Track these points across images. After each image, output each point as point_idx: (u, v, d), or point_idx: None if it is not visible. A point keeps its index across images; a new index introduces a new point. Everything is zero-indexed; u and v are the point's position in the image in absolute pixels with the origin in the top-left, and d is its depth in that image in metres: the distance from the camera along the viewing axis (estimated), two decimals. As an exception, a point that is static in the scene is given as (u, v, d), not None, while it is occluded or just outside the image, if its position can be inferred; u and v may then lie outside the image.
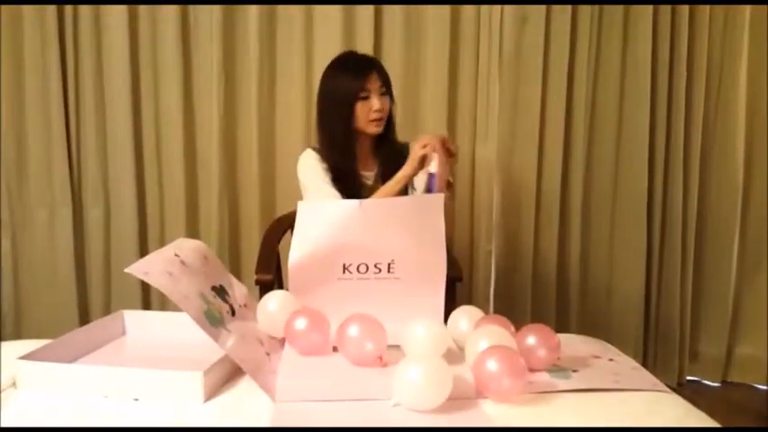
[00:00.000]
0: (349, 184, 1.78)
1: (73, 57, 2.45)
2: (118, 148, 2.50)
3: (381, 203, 1.46)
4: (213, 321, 1.20)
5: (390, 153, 1.83)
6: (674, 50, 2.62)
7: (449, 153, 1.67)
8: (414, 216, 1.44)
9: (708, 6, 2.61)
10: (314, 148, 1.87)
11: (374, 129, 1.78)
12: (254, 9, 2.45)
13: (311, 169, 1.81)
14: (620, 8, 2.58)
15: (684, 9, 2.58)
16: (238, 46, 2.50)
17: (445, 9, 2.50)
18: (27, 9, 2.39)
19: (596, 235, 2.71)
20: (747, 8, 2.65)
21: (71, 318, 2.50)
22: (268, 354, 1.25)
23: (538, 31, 2.54)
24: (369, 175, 1.86)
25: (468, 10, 2.54)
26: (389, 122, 1.84)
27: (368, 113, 1.75)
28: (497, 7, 2.53)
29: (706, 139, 2.71)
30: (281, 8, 2.49)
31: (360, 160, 1.84)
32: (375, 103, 1.75)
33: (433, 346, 1.23)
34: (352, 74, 1.75)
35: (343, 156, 1.79)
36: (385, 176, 1.77)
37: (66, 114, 2.47)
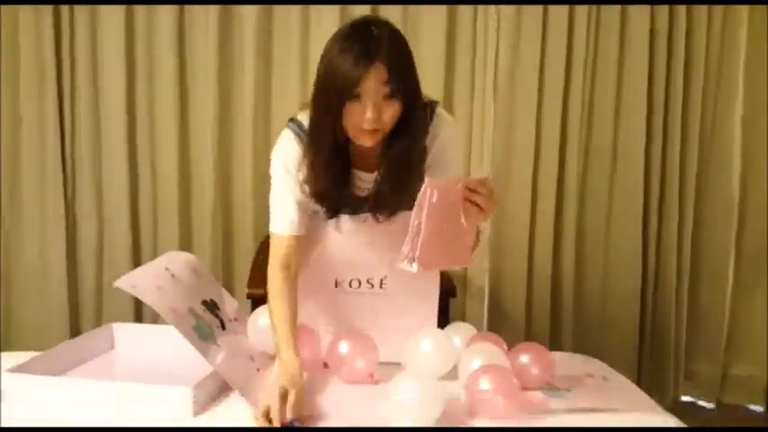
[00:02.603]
0: (337, 191, 1.38)
1: (69, 68, 2.45)
2: (112, 160, 2.48)
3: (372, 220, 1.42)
4: (203, 336, 1.18)
5: (403, 156, 1.33)
6: (671, 57, 2.61)
7: (475, 203, 1.18)
8: (406, 232, 1.43)
9: (705, 7, 2.61)
10: (298, 127, 1.38)
11: (365, 141, 1.27)
12: (250, 10, 2.45)
13: (281, 168, 1.38)
14: (617, 11, 2.57)
15: (682, 12, 2.58)
16: (234, 53, 2.49)
17: (442, 17, 2.49)
18: (24, 12, 2.39)
19: (591, 252, 2.69)
20: (745, 10, 2.65)
21: (62, 330, 2.47)
22: (258, 369, 1.24)
23: (534, 39, 2.53)
24: (366, 177, 1.39)
25: (464, 18, 2.54)
26: (411, 120, 1.31)
27: (358, 120, 1.24)
28: (493, 16, 2.53)
29: (702, 155, 2.70)
30: (277, 10, 2.49)
31: (356, 155, 1.37)
32: (367, 109, 1.22)
33: (439, 363, 1.21)
34: (349, 61, 1.22)
35: (330, 155, 1.33)
36: (386, 183, 1.35)
37: (62, 126, 2.46)
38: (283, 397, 1.07)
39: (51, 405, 1.09)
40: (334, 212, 1.42)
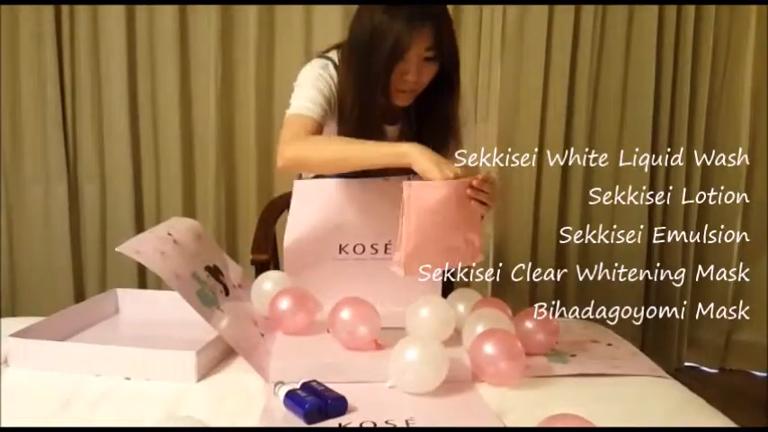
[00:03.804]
0: (362, 129, 1.35)
1: (69, 32, 2.42)
2: (113, 122, 2.47)
3: (379, 183, 1.43)
4: (206, 301, 1.18)
5: (429, 115, 1.38)
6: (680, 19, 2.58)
7: (478, 200, 1.21)
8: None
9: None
10: (331, 61, 1.40)
11: (402, 100, 1.35)
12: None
13: (313, 74, 1.39)
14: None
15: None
16: (236, 23, 2.47)
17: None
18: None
19: (596, 218, 2.68)
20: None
21: (67, 294, 2.49)
22: (262, 334, 1.24)
23: (541, 15, 2.50)
24: (389, 130, 1.45)
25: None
26: (445, 84, 1.37)
27: (399, 80, 1.31)
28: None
29: (711, 114, 2.67)
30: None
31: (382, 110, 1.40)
32: (410, 72, 1.30)
33: (438, 328, 1.21)
34: (399, 26, 1.24)
35: (363, 113, 1.35)
36: (410, 138, 1.33)
37: (62, 89, 2.45)
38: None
39: (54, 370, 1.09)
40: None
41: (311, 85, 1.38)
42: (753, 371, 2.77)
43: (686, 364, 2.78)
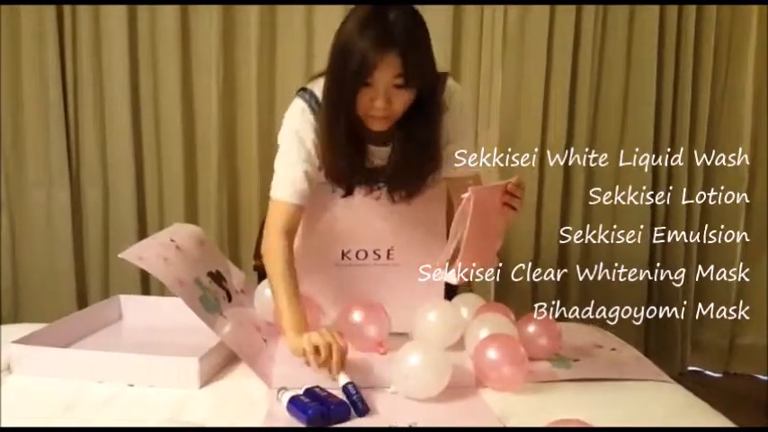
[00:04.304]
0: (350, 165, 1.35)
1: (70, 32, 2.42)
2: (115, 124, 2.46)
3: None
4: (209, 307, 1.18)
5: (419, 135, 1.31)
6: (681, 19, 2.58)
7: (510, 206, 1.24)
8: (414, 203, 1.42)
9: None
10: (311, 97, 1.35)
11: (374, 125, 1.27)
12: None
13: (293, 136, 1.34)
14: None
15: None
16: (238, 23, 2.46)
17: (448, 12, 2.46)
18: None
19: (598, 220, 2.67)
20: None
21: (69, 299, 2.48)
22: (265, 340, 1.24)
23: (542, 16, 2.50)
24: (378, 152, 1.38)
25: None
26: (423, 110, 1.31)
27: (368, 105, 1.24)
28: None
29: (712, 113, 2.65)
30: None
31: (369, 129, 1.33)
32: (377, 98, 1.22)
33: (445, 333, 1.22)
34: (363, 48, 1.18)
35: (344, 130, 1.30)
36: (403, 160, 1.34)
37: (65, 93, 2.43)
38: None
39: (57, 376, 1.10)
40: (347, 190, 1.39)
41: (290, 157, 1.33)
42: (757, 374, 2.76)
43: (690, 368, 2.77)
